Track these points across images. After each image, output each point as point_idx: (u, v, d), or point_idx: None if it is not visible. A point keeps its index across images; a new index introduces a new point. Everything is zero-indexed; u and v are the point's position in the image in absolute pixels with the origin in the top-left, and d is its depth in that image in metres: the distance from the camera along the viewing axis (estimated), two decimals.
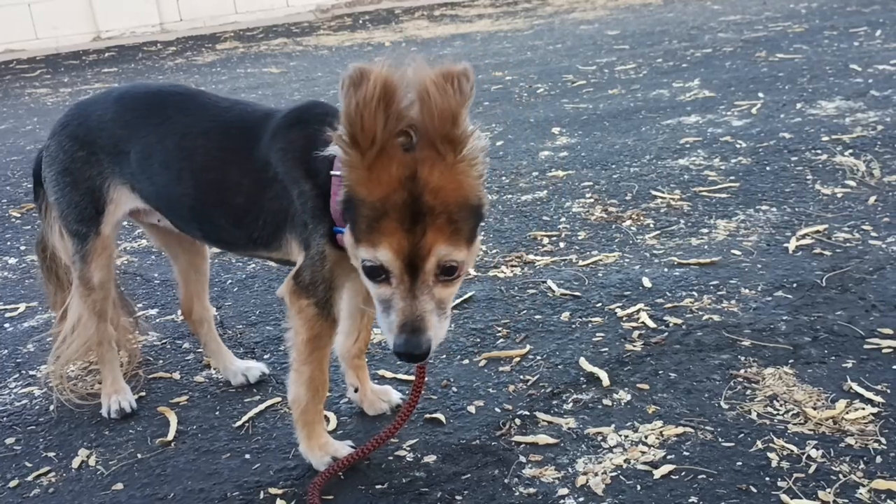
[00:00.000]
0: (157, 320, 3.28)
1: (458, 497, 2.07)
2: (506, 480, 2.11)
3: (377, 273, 1.77)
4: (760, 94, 5.39)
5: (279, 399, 2.59)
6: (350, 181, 1.80)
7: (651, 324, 2.76)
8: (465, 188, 1.77)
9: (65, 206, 2.49)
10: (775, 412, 2.25)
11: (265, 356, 2.87)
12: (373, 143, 1.74)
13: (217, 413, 2.58)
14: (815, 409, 2.24)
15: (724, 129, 4.76)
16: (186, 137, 2.30)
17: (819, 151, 4.19)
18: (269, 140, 2.16)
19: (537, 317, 2.91)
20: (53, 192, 2.51)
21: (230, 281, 3.51)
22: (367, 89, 1.69)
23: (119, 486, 2.27)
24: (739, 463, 2.07)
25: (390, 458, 2.25)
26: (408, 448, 2.28)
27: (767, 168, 4.06)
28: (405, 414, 2.17)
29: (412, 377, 2.61)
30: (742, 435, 2.17)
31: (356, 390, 2.47)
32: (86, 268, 2.53)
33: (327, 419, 2.45)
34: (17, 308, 3.54)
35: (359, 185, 1.78)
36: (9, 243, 4.38)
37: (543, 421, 2.33)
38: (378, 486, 2.14)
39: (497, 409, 2.41)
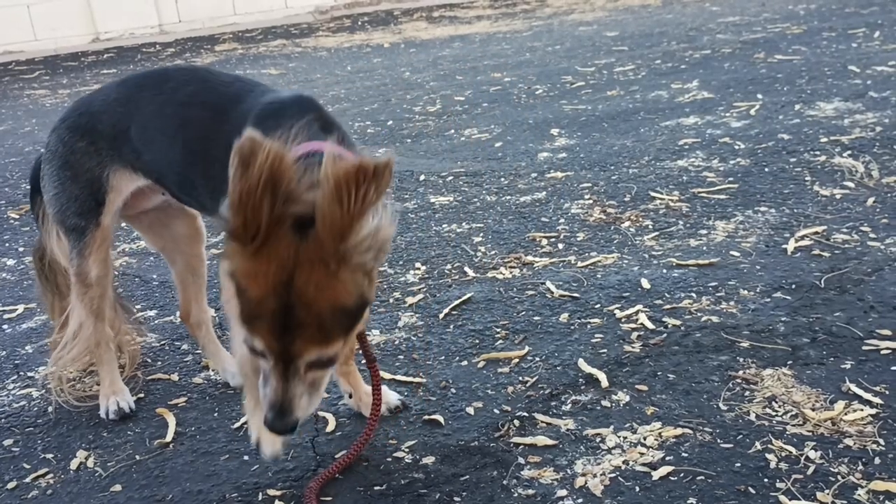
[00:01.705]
0: (156, 322, 3.28)
1: (456, 498, 2.07)
2: (504, 482, 2.11)
3: (254, 350, 1.76)
4: (759, 96, 5.39)
5: None
6: (232, 265, 1.72)
7: (650, 325, 2.76)
8: (345, 296, 1.71)
9: (64, 200, 2.48)
10: (774, 413, 2.25)
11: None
12: (256, 234, 1.65)
13: (216, 414, 2.58)
14: (813, 410, 2.24)
15: (723, 131, 4.76)
16: (184, 106, 2.32)
17: (818, 153, 4.19)
18: (244, 126, 2.14)
19: (536, 318, 2.91)
20: (53, 187, 2.50)
21: None
22: (254, 172, 1.59)
23: (117, 487, 2.27)
24: (738, 464, 2.07)
25: (388, 459, 2.25)
26: (406, 449, 2.28)
27: (766, 169, 4.06)
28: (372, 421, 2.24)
29: (410, 378, 2.62)
30: (741, 436, 2.17)
31: (350, 395, 2.48)
32: (83, 262, 2.52)
33: (326, 420, 2.45)
34: (16, 310, 3.53)
35: (240, 273, 1.71)
36: (7, 244, 4.37)
37: (542, 422, 2.33)
38: (376, 488, 2.14)
39: (496, 411, 2.41)
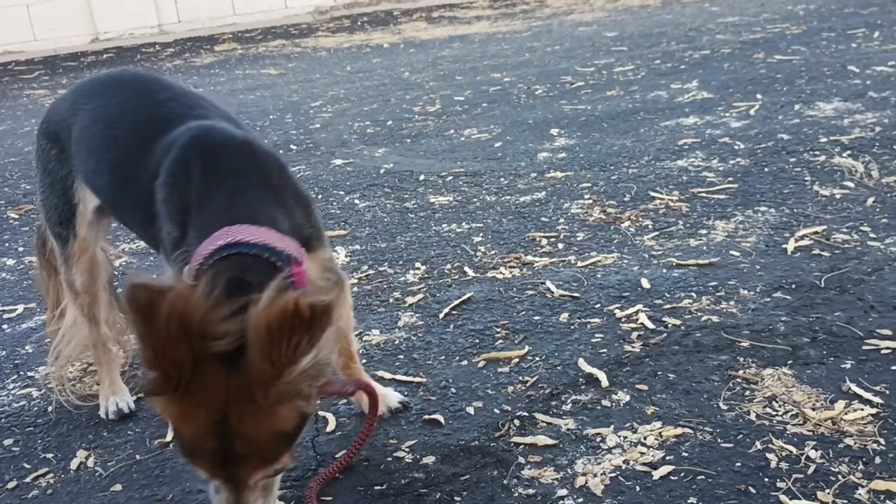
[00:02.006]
0: None
1: (457, 498, 2.07)
2: (505, 481, 2.11)
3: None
4: (759, 96, 5.40)
5: None
6: (160, 408, 1.62)
7: (650, 325, 2.76)
8: (284, 423, 1.62)
9: (48, 207, 2.45)
10: (774, 413, 2.25)
11: None
12: (180, 380, 1.53)
13: None
14: (813, 409, 2.24)
15: (723, 131, 4.76)
16: (113, 124, 2.18)
17: (817, 153, 4.19)
18: (162, 163, 1.97)
19: (536, 318, 2.91)
20: (40, 192, 2.48)
21: None
22: (160, 324, 1.47)
23: (118, 487, 2.27)
24: (738, 464, 2.07)
25: (389, 459, 2.25)
26: (406, 449, 2.28)
27: (766, 169, 4.06)
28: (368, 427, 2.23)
29: (410, 378, 2.61)
30: (741, 436, 2.17)
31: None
32: (69, 271, 2.50)
33: (326, 420, 2.45)
34: (16, 309, 3.53)
35: (169, 416, 1.64)
36: (7, 244, 4.37)
37: (542, 422, 2.33)
38: (377, 488, 2.14)
39: (496, 410, 2.41)
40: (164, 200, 1.94)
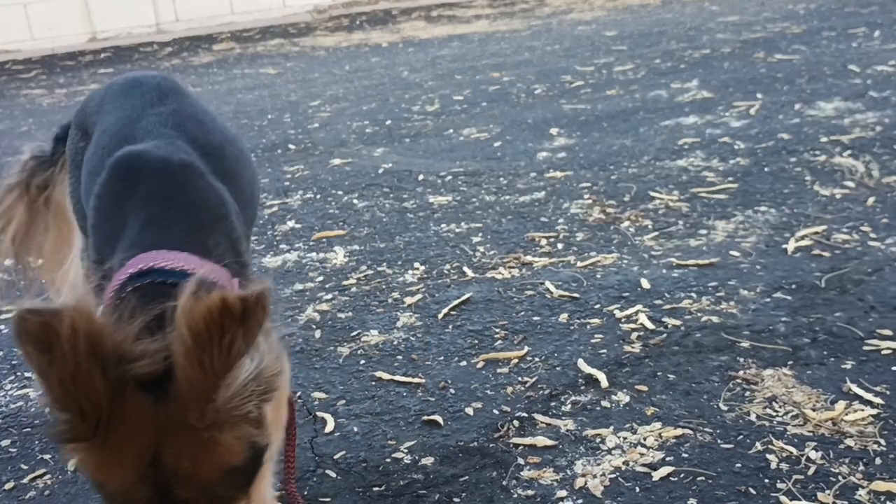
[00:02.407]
0: None
1: (456, 499, 2.06)
2: (504, 482, 2.10)
3: None
4: (759, 95, 5.39)
5: None
6: (79, 459, 1.34)
7: (650, 325, 2.76)
8: (233, 457, 1.35)
9: (74, 200, 2.34)
10: (774, 414, 2.25)
11: None
12: (100, 419, 1.27)
13: None
14: (814, 410, 2.23)
15: (723, 130, 4.75)
16: (104, 133, 2.01)
17: (818, 152, 4.18)
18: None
19: (535, 318, 2.90)
20: (69, 183, 2.34)
21: None
22: (63, 353, 1.22)
23: None
24: (739, 465, 2.06)
25: (388, 460, 2.24)
26: (405, 450, 2.27)
27: (766, 169, 4.05)
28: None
29: (409, 378, 2.60)
30: (741, 436, 2.17)
31: None
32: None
33: (325, 421, 2.44)
34: (13, 310, 3.51)
35: (90, 470, 1.34)
36: None
37: (542, 423, 2.32)
38: (375, 489, 2.13)
39: (495, 411, 2.40)
40: (91, 226, 1.79)
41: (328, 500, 2.11)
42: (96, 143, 1.99)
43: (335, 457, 2.27)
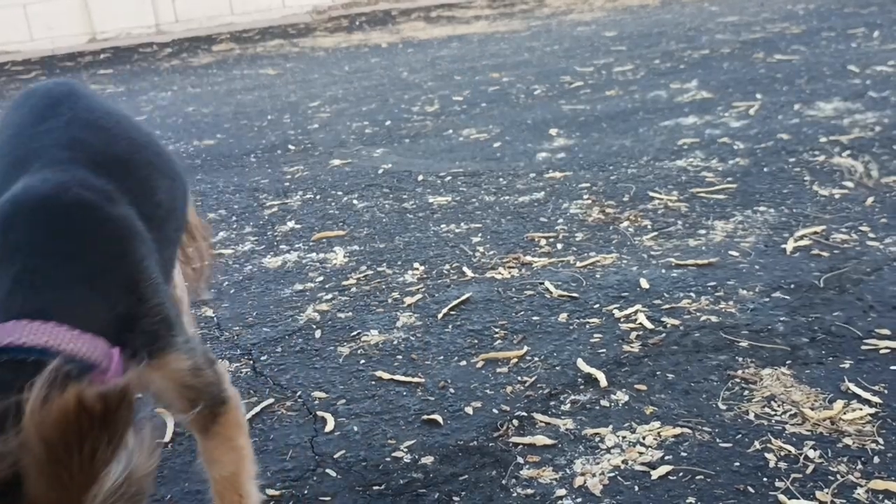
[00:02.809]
0: None
1: (455, 498, 2.06)
2: (503, 481, 2.11)
3: None
4: (758, 96, 5.39)
5: (273, 400, 2.58)
6: None
7: (649, 325, 2.76)
8: None
9: None
10: (773, 413, 2.25)
11: (262, 357, 2.86)
12: None
13: None
14: (812, 409, 2.24)
15: (722, 131, 4.76)
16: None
17: (817, 152, 4.19)
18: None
19: (535, 318, 2.91)
20: None
21: (227, 283, 3.50)
22: None
23: None
24: (737, 463, 2.07)
25: (387, 459, 2.24)
26: (405, 449, 2.28)
27: (765, 169, 4.06)
28: None
29: (409, 378, 2.61)
30: (740, 435, 2.17)
31: None
32: None
33: (325, 420, 2.45)
34: None
35: None
36: None
37: (541, 422, 2.33)
38: (375, 488, 2.14)
39: (495, 410, 2.41)
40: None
41: (328, 499, 2.12)
42: None
43: (335, 456, 2.27)
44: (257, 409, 2.55)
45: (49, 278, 1.38)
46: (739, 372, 2.45)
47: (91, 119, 1.75)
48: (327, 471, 2.23)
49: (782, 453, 2.09)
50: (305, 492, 2.14)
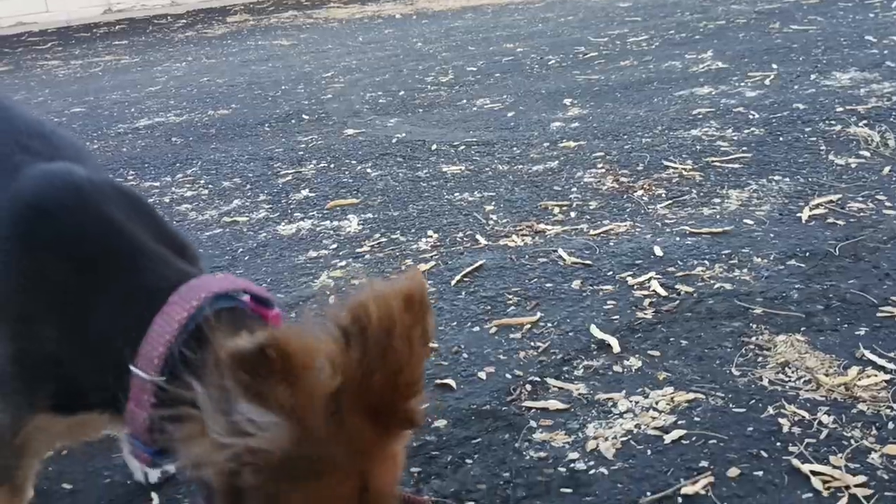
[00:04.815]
0: None
1: (468, 461, 2.07)
2: (516, 444, 2.11)
3: None
4: (774, 66, 5.35)
5: None
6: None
7: (662, 292, 2.75)
8: (399, 471, 1.30)
9: None
10: (787, 379, 2.25)
11: None
12: (317, 453, 1.17)
13: None
14: (827, 375, 2.23)
15: (738, 100, 4.72)
16: None
17: (833, 122, 4.16)
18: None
19: (548, 285, 2.90)
20: None
21: (241, 249, 3.51)
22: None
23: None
24: (750, 428, 2.07)
25: None
26: None
27: (781, 139, 4.03)
28: None
29: None
30: (753, 401, 2.17)
31: None
32: None
33: None
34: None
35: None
36: None
37: (554, 387, 2.33)
38: None
39: (508, 375, 2.41)
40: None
41: None
42: None
43: None
44: None
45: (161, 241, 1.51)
46: (753, 338, 2.44)
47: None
48: None
49: (796, 418, 2.08)
50: None
